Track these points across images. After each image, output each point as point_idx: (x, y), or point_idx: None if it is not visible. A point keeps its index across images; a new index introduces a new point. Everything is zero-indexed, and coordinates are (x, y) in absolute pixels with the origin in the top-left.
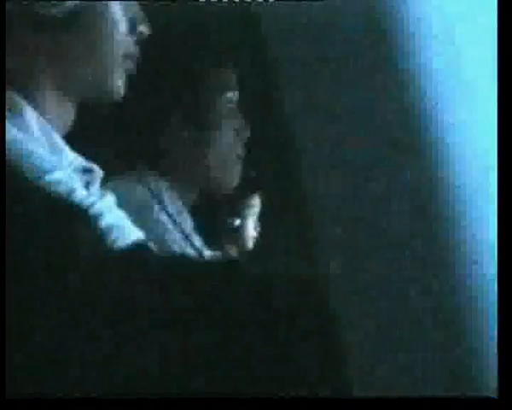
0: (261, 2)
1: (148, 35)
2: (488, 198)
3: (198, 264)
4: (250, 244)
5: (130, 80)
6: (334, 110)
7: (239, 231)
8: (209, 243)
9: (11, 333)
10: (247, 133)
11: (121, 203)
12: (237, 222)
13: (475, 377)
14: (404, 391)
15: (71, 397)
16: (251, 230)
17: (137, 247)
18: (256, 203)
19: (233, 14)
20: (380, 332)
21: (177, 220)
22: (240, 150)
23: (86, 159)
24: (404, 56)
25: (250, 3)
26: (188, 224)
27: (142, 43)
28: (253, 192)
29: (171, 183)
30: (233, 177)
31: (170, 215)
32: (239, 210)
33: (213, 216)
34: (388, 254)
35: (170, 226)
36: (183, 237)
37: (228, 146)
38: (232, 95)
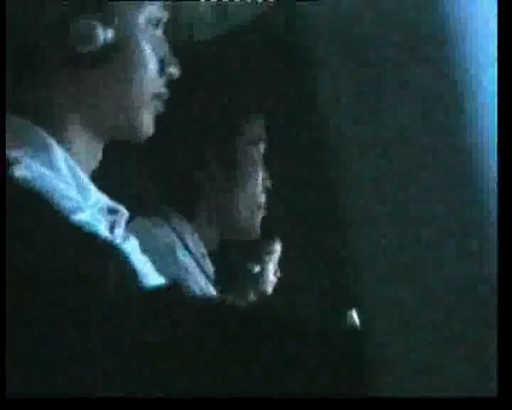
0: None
1: (178, 77)
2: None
3: (220, 306)
4: (269, 289)
5: (159, 121)
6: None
7: (259, 277)
8: (229, 288)
9: (11, 333)
10: (269, 183)
11: (145, 245)
12: (257, 268)
13: (475, 377)
14: (403, 391)
15: (71, 397)
16: (271, 275)
17: (160, 289)
18: (276, 249)
19: (266, 63)
20: (379, 335)
21: (201, 264)
22: (262, 199)
23: (112, 199)
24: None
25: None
26: (210, 268)
27: (172, 84)
28: (272, 238)
29: (196, 227)
30: (255, 225)
31: (194, 258)
32: (259, 256)
33: (233, 262)
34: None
35: (193, 270)
36: (206, 281)
37: (253, 195)
38: (263, 145)
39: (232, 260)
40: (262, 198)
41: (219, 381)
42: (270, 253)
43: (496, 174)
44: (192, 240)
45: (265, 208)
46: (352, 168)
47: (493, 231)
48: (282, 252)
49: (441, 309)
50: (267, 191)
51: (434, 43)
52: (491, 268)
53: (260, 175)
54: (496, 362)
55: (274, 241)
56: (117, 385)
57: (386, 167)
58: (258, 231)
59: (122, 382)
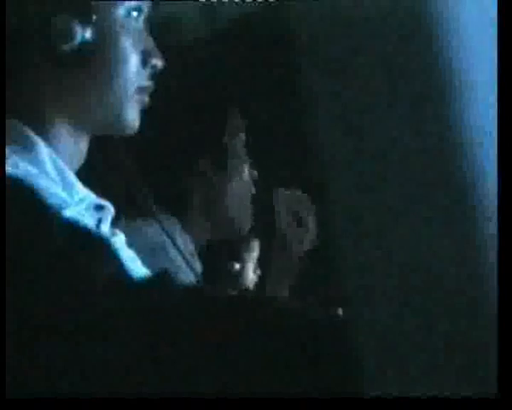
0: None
1: (163, 68)
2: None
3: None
4: (250, 287)
5: (145, 115)
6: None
7: (239, 275)
8: (214, 285)
9: (11, 333)
10: (255, 174)
11: (133, 242)
12: (237, 266)
13: (475, 377)
14: (403, 391)
15: (71, 397)
16: (250, 273)
17: (149, 279)
18: (255, 247)
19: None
20: (379, 333)
21: (190, 262)
22: (252, 190)
23: (98, 196)
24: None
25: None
26: (198, 267)
27: (156, 76)
28: (251, 237)
29: (185, 224)
30: (248, 219)
31: (184, 257)
32: (239, 255)
33: (216, 261)
34: (392, 259)
35: (183, 268)
36: (194, 275)
37: (241, 187)
38: (244, 137)
39: (215, 259)
40: (252, 189)
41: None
42: (249, 251)
43: (496, 174)
44: (181, 238)
45: (257, 199)
46: (342, 168)
47: (493, 231)
48: (263, 250)
49: (441, 309)
50: (255, 182)
51: (429, 46)
52: (491, 268)
53: (246, 166)
54: (496, 362)
55: (253, 239)
56: (111, 382)
57: (379, 167)
58: (250, 225)
59: (116, 378)
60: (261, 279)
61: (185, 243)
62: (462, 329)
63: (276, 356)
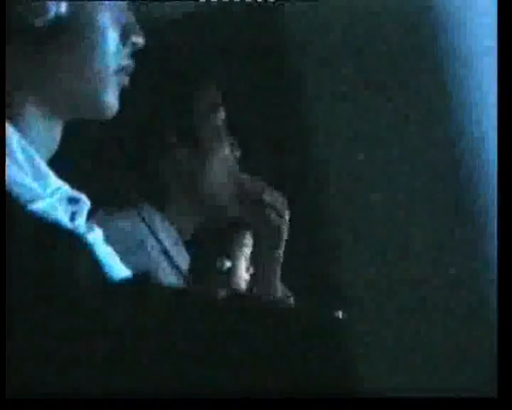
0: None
1: (143, 46)
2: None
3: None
4: (242, 287)
5: (125, 97)
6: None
7: (230, 274)
8: (199, 283)
9: (11, 333)
10: (238, 152)
11: (110, 237)
12: (228, 264)
13: (475, 377)
14: (404, 391)
15: (71, 397)
16: (243, 272)
17: (127, 280)
18: (248, 243)
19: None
20: (378, 334)
21: (172, 254)
22: (235, 168)
23: (73, 187)
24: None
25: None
26: (183, 259)
27: (137, 54)
28: (244, 230)
29: (166, 212)
30: (233, 200)
31: (164, 250)
32: (231, 250)
33: (204, 256)
34: (392, 260)
35: (163, 263)
36: (178, 274)
37: (223, 166)
38: (221, 113)
39: (203, 254)
40: (235, 169)
41: (189, 380)
42: (241, 247)
43: (496, 173)
44: (163, 227)
45: (241, 178)
46: (336, 157)
47: (493, 231)
48: (255, 246)
49: (441, 310)
50: (238, 161)
51: (431, 44)
52: (492, 268)
53: (226, 144)
54: (496, 362)
55: (246, 234)
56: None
57: (379, 159)
58: (236, 206)
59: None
60: (254, 278)
61: (168, 235)
62: (462, 329)
63: (270, 360)
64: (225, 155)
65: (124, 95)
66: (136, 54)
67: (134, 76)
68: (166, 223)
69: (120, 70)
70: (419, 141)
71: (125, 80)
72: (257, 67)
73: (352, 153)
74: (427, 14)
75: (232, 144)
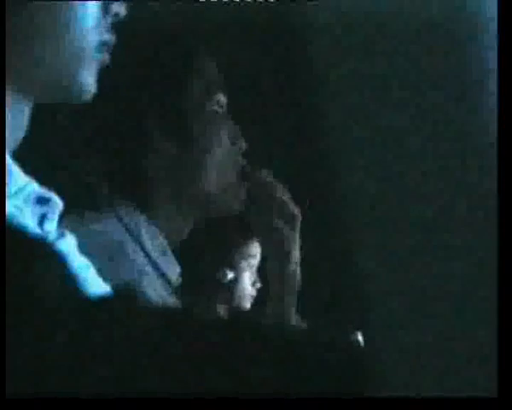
0: None
1: (125, 17)
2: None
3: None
4: (247, 304)
5: (104, 77)
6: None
7: (232, 288)
8: (195, 299)
9: (11, 333)
10: (243, 143)
11: (85, 244)
12: (230, 275)
13: (475, 377)
14: (403, 391)
15: (71, 397)
16: (248, 286)
17: (106, 298)
18: (255, 252)
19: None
20: (379, 333)
21: (159, 263)
22: (239, 162)
23: (41, 184)
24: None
25: None
26: (173, 269)
27: (119, 28)
28: (250, 239)
29: (151, 214)
30: (236, 195)
31: (149, 257)
32: (233, 260)
33: (198, 266)
34: (391, 261)
35: (149, 272)
36: (167, 286)
37: (223, 159)
38: (219, 97)
39: (200, 262)
40: (238, 161)
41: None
42: (247, 257)
43: (496, 173)
44: (148, 232)
45: (248, 173)
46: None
47: (493, 231)
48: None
49: (441, 309)
50: (244, 152)
51: (438, 43)
52: (492, 268)
53: (227, 133)
54: (496, 362)
55: (252, 242)
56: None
57: (388, 170)
58: (240, 204)
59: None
60: (261, 295)
61: (153, 238)
62: (462, 329)
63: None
64: (225, 147)
65: (103, 75)
66: (118, 27)
67: (115, 53)
68: (152, 227)
69: (100, 46)
70: (436, 141)
71: (106, 58)
72: (264, 46)
73: (364, 144)
74: (451, 13)
75: (234, 135)
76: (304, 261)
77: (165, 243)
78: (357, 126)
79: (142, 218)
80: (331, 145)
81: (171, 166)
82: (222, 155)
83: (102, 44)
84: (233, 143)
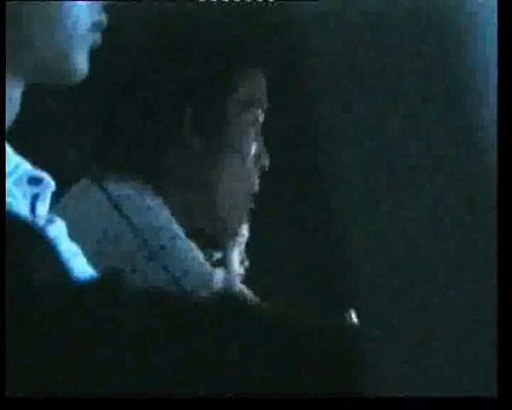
0: None
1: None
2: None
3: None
4: (236, 284)
5: (97, 58)
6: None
7: (220, 267)
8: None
9: (11, 332)
10: (266, 163)
11: (76, 230)
12: (218, 255)
13: (475, 377)
14: (402, 391)
15: (71, 397)
16: (236, 265)
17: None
18: (242, 232)
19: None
20: (378, 332)
21: (164, 250)
22: (255, 183)
23: (34, 165)
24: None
25: None
26: (179, 255)
27: (111, 8)
28: (239, 220)
29: (158, 190)
30: (240, 215)
31: (144, 239)
32: (220, 240)
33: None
34: (394, 259)
35: (144, 262)
36: (156, 267)
37: (241, 174)
38: (260, 111)
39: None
40: (254, 182)
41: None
42: (234, 236)
43: (496, 172)
44: (143, 217)
45: (257, 195)
46: (349, 166)
47: (493, 231)
48: (252, 238)
49: (441, 309)
50: (262, 172)
51: (436, 45)
52: (492, 268)
53: (253, 149)
54: (496, 362)
55: (240, 223)
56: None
57: (385, 168)
58: (240, 226)
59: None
60: (249, 274)
61: (150, 224)
62: (462, 329)
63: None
64: (249, 160)
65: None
66: (110, 8)
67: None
68: (155, 198)
69: (94, 26)
70: (435, 143)
71: (98, 39)
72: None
73: (364, 144)
74: (447, 13)
75: (259, 155)
76: (296, 252)
77: (175, 227)
78: (357, 126)
79: (139, 200)
80: (328, 143)
81: (191, 163)
82: (239, 169)
83: (95, 25)
84: (255, 163)
